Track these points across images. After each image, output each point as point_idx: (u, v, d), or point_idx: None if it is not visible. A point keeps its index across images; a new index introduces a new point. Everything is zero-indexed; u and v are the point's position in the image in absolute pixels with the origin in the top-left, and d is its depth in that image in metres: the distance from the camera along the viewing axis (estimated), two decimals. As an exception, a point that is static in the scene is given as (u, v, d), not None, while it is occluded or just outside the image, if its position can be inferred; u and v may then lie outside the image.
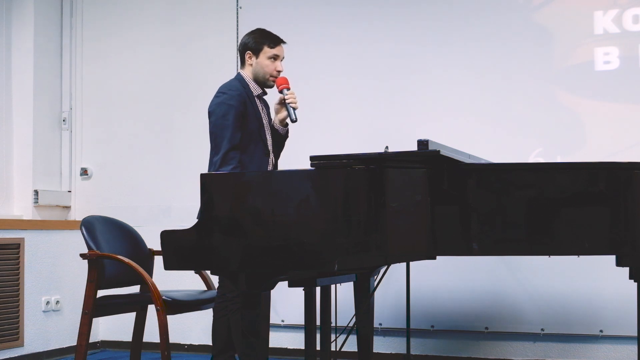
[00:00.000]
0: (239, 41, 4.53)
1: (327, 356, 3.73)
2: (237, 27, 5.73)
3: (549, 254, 3.71)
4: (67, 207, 5.96)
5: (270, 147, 4.13)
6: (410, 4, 5.34)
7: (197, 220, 3.35)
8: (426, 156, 3.37)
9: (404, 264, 4.65)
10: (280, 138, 4.24)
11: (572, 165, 3.79)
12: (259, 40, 4.13)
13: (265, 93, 4.23)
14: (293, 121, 4.07)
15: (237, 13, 5.71)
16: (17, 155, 5.70)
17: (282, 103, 4.11)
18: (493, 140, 4.99)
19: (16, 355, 5.14)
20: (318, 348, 3.80)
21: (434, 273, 4.96)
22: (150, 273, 4.47)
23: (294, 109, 4.07)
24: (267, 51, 4.11)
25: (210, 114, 4.03)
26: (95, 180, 5.99)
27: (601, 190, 3.60)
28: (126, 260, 4.18)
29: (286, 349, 5.20)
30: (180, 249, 3.45)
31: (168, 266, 3.54)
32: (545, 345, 4.95)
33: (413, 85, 5.30)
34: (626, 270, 3.80)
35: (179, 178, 5.59)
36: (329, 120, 5.45)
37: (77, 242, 4.40)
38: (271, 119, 4.23)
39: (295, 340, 5.21)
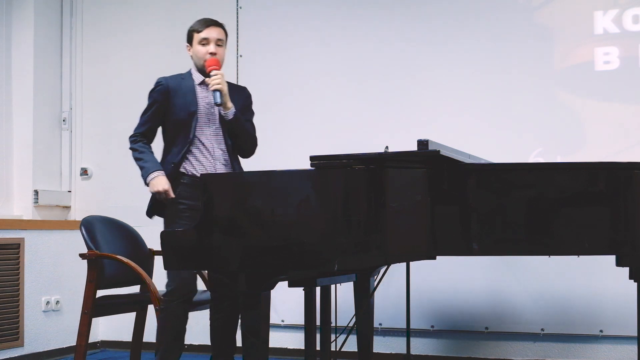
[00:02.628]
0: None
1: (327, 356, 3.73)
2: (237, 27, 5.73)
3: (549, 254, 3.72)
4: (67, 207, 5.96)
5: (205, 135, 4.03)
6: (410, 4, 5.33)
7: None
8: (426, 156, 3.37)
9: (404, 264, 4.65)
10: (228, 123, 4.05)
11: (572, 166, 3.79)
12: (189, 29, 4.12)
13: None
14: (217, 105, 3.93)
15: (237, 13, 5.70)
16: (17, 155, 5.70)
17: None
18: (493, 140, 4.99)
19: (16, 355, 5.14)
20: (318, 348, 3.80)
21: (434, 273, 4.96)
22: (150, 273, 4.47)
23: (219, 90, 3.90)
24: (196, 37, 4.06)
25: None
26: (95, 180, 5.99)
27: (601, 190, 3.60)
28: (125, 260, 4.19)
29: (286, 349, 5.20)
30: (180, 248, 3.45)
31: (168, 266, 3.54)
32: (546, 345, 4.95)
33: (413, 85, 5.29)
34: (626, 270, 3.80)
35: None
36: (328, 120, 5.45)
37: (77, 242, 4.40)
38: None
39: (295, 340, 5.21)
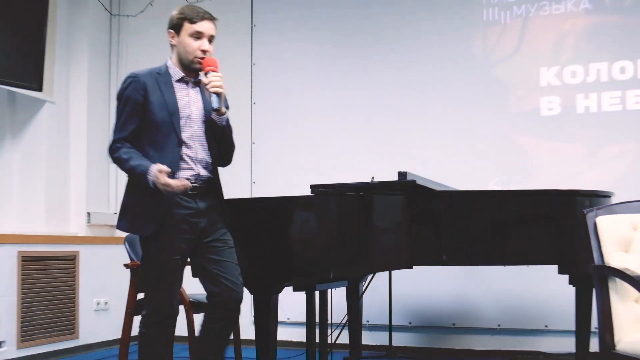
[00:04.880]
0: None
1: (324, 348, 3.72)
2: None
3: (505, 264, 3.72)
4: (113, 226, 5.93)
5: (188, 137, 2.94)
6: (392, 59, 5.35)
7: None
8: (404, 185, 3.38)
9: (387, 273, 4.64)
10: (218, 129, 3.00)
11: (522, 192, 3.80)
12: (179, 16, 3.03)
13: (194, 77, 3.05)
14: (215, 110, 2.92)
15: (251, 69, 5.72)
16: (74, 184, 5.70)
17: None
18: (459, 171, 4.98)
19: (73, 345, 5.12)
20: (317, 341, 3.78)
21: (412, 280, 4.94)
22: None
23: (218, 94, 2.90)
24: (187, 27, 2.97)
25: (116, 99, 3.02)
26: (137, 203, 5.98)
27: (546, 212, 3.61)
28: (161, 269, 4.17)
29: (291, 341, 5.17)
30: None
31: (195, 274, 3.53)
32: (501, 338, 4.93)
33: (395, 125, 5.28)
34: (566, 277, 3.81)
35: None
36: (326, 151, 5.44)
37: (121, 254, 4.38)
38: (205, 106, 3.02)
39: (298, 335, 5.18)
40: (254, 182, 5.59)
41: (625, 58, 4.84)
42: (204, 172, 2.98)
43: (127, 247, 4.29)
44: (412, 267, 3.64)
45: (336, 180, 3.20)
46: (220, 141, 3.05)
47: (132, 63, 6.07)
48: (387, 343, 4.77)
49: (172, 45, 3.06)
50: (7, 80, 5.01)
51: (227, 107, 3.04)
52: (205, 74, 2.94)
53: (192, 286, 4.34)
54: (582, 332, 3.88)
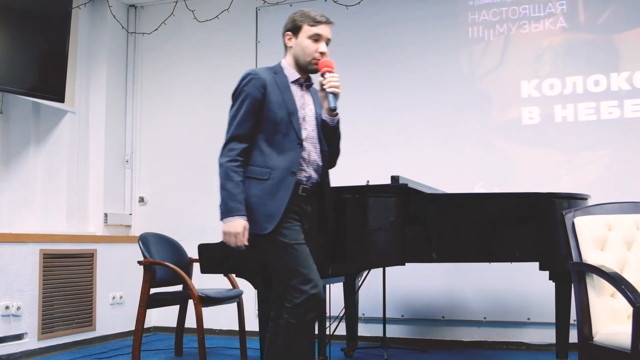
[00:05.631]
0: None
1: (323, 338, 3.69)
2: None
3: (490, 261, 3.70)
4: (129, 226, 5.93)
5: (304, 138, 2.71)
6: (387, 77, 5.34)
7: None
8: (397, 188, 3.36)
9: (381, 269, 4.62)
10: (330, 129, 2.81)
11: (506, 195, 3.78)
12: (299, 19, 2.80)
13: (308, 79, 2.86)
14: (331, 110, 2.72)
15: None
16: (92, 187, 5.69)
17: (323, 88, 2.76)
18: (448, 175, 4.98)
19: (90, 337, 5.09)
20: (316, 332, 3.76)
21: (404, 275, 4.92)
22: (190, 276, 4.43)
23: (335, 94, 2.72)
24: (307, 30, 2.77)
25: (231, 97, 2.79)
26: (150, 206, 5.96)
27: (527, 214, 3.59)
28: (172, 266, 4.15)
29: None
30: (212, 257, 3.43)
31: (203, 270, 3.52)
32: (487, 330, 4.91)
33: (389, 133, 5.28)
34: (547, 273, 3.79)
35: (212, 203, 5.52)
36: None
37: (136, 252, 4.36)
38: (316, 109, 2.83)
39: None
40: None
41: (599, 72, 4.84)
42: (314, 175, 2.78)
43: (141, 245, 4.28)
44: (404, 264, 3.62)
45: (334, 184, 3.18)
46: (330, 143, 2.84)
47: (146, 77, 6.08)
48: (381, 334, 4.75)
49: (287, 47, 2.84)
50: (32, 92, 5.03)
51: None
52: (322, 75, 2.75)
53: (200, 282, 4.33)
54: (561, 324, 3.86)
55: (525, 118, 4.99)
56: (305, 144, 2.72)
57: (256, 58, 5.69)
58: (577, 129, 4.84)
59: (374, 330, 5.04)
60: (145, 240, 4.33)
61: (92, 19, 5.79)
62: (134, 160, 6.03)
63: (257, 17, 5.76)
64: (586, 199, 3.80)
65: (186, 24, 5.92)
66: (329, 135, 2.81)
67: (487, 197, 3.89)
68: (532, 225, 3.57)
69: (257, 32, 5.74)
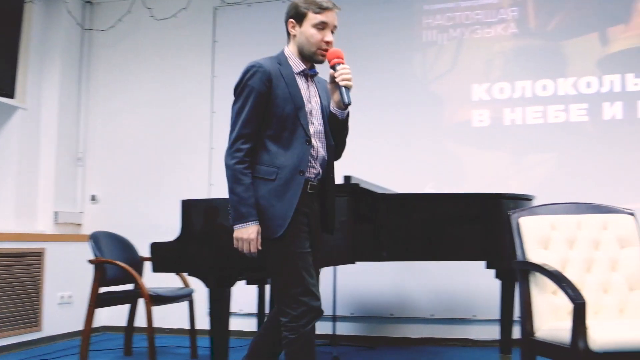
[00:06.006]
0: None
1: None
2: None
3: (438, 259, 3.74)
4: (79, 225, 5.82)
5: (311, 134, 2.55)
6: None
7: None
8: (349, 188, 3.38)
9: (332, 268, 4.64)
10: (339, 123, 2.66)
11: (455, 195, 3.84)
12: (303, 5, 2.56)
13: (313, 70, 2.68)
14: (345, 104, 2.56)
15: (212, 81, 5.66)
16: (43, 184, 5.56)
17: (334, 81, 2.59)
18: (399, 175, 5.01)
19: (36, 337, 4.97)
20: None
21: (354, 274, 4.93)
22: (141, 275, 4.38)
23: (347, 88, 2.56)
24: (312, 17, 2.54)
25: (233, 92, 2.60)
26: (101, 204, 5.86)
27: (475, 214, 3.65)
28: (122, 264, 4.09)
29: (242, 331, 5.12)
30: (164, 256, 3.39)
31: (155, 269, 3.48)
32: (434, 327, 4.97)
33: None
34: (493, 271, 3.86)
35: (164, 202, 5.48)
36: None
37: (86, 251, 4.29)
38: (322, 101, 2.67)
39: (249, 325, 5.12)
40: (212, 185, 5.52)
41: (547, 77, 4.95)
42: (321, 171, 2.61)
43: (92, 244, 4.21)
44: (354, 263, 3.64)
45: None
46: (337, 136, 2.67)
47: (101, 74, 5.98)
48: (331, 332, 4.76)
49: (290, 36, 2.61)
50: (-20, 87, 4.88)
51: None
52: (332, 67, 2.56)
53: (152, 281, 4.28)
54: (505, 320, 3.94)
55: (475, 120, 5.07)
56: (313, 140, 2.55)
57: (213, 57, 5.65)
58: (525, 132, 4.95)
59: (324, 328, 5.05)
60: (96, 239, 4.26)
61: (46, 14, 5.65)
62: (86, 158, 5.92)
63: (214, 17, 5.72)
64: (532, 199, 3.89)
65: (143, 21, 5.85)
66: (338, 129, 2.65)
67: (436, 197, 3.94)
68: (479, 225, 3.63)
69: (214, 31, 5.71)
